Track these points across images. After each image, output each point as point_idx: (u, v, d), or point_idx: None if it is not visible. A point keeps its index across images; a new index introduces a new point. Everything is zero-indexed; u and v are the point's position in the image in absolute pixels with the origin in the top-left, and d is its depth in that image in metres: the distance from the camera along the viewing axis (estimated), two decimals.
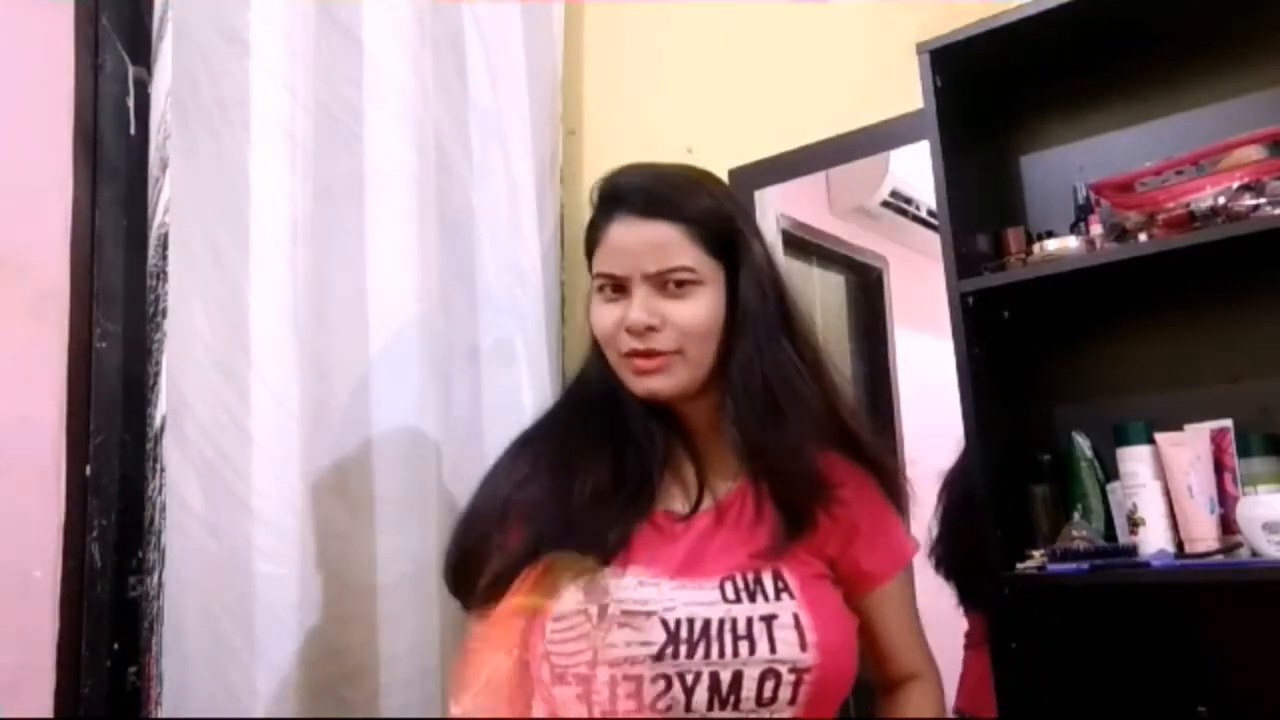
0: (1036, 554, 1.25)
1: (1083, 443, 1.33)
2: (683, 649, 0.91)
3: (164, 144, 1.23)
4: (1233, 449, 1.23)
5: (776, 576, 0.97)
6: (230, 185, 1.29)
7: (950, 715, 1.33)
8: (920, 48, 1.34)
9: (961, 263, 1.29)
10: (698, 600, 0.94)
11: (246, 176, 1.31)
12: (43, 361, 1.19)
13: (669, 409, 1.05)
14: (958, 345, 1.27)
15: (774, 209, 1.70)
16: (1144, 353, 1.35)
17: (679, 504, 1.04)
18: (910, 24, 1.43)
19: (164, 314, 1.21)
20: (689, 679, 0.91)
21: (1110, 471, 1.30)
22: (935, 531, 1.44)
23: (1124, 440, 1.26)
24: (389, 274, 1.47)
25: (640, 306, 0.99)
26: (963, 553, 1.32)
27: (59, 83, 1.25)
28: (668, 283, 0.99)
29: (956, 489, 1.41)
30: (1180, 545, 1.21)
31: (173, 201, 1.22)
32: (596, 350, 1.07)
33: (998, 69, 1.38)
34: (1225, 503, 1.21)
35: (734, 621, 0.93)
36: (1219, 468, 1.23)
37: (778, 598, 0.95)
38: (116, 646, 1.19)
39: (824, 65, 1.68)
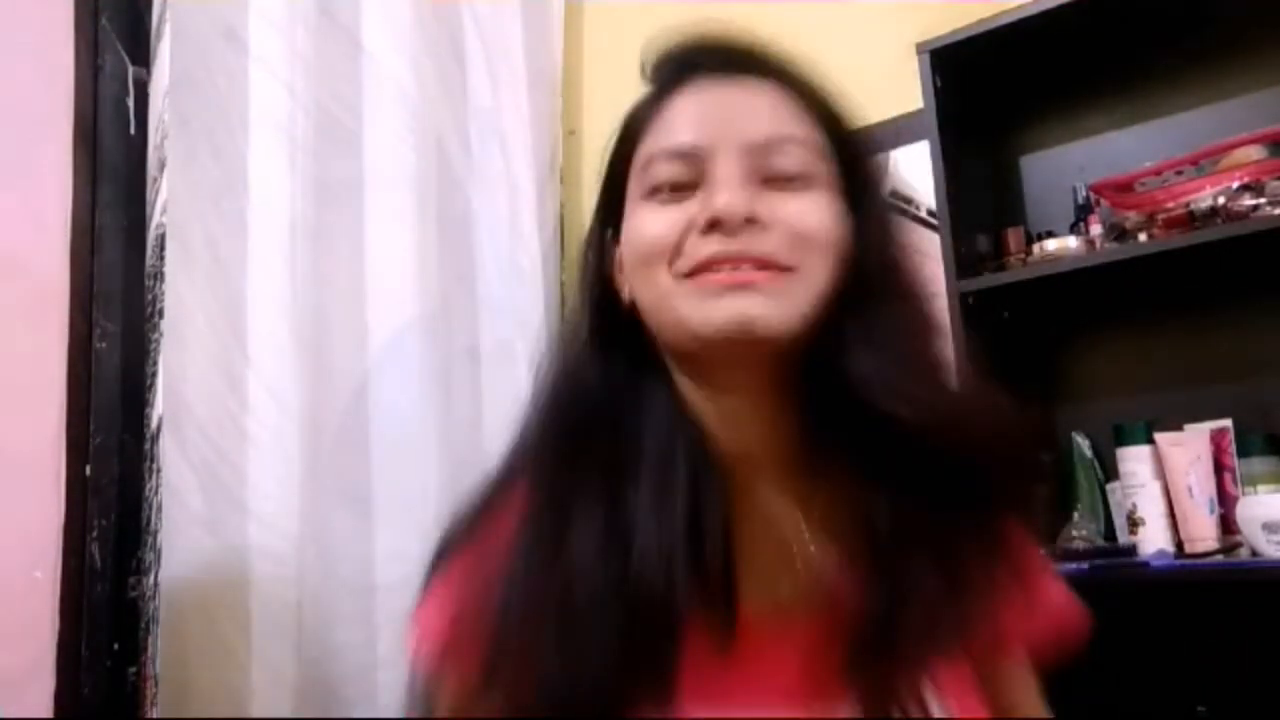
0: None
1: (1083, 443, 1.33)
2: None
3: (162, 144, 1.23)
4: (1233, 449, 1.23)
5: (934, 687, 0.61)
6: (229, 185, 1.29)
7: None
8: (920, 48, 1.34)
9: (961, 263, 1.29)
10: None
11: (245, 176, 1.31)
12: (43, 361, 1.19)
13: (708, 433, 0.64)
14: (958, 345, 1.27)
15: None
16: (1144, 353, 1.35)
17: (767, 592, 0.63)
18: (910, 24, 1.43)
19: (161, 314, 1.21)
20: None
21: (1110, 471, 1.30)
22: None
23: (1124, 440, 1.26)
24: (389, 274, 1.47)
25: (733, 188, 0.60)
26: None
27: (59, 83, 1.24)
28: (772, 173, 0.62)
29: None
30: (1180, 545, 1.21)
31: (171, 201, 1.22)
32: (602, 322, 0.67)
33: (998, 69, 1.38)
34: (1225, 503, 1.21)
35: None
36: (1219, 468, 1.23)
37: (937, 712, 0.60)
38: (116, 647, 1.19)
39: (824, 65, 1.67)
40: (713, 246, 0.60)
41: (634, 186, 0.65)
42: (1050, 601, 0.68)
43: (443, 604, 0.66)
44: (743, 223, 0.60)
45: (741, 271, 0.59)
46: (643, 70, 0.70)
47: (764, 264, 0.60)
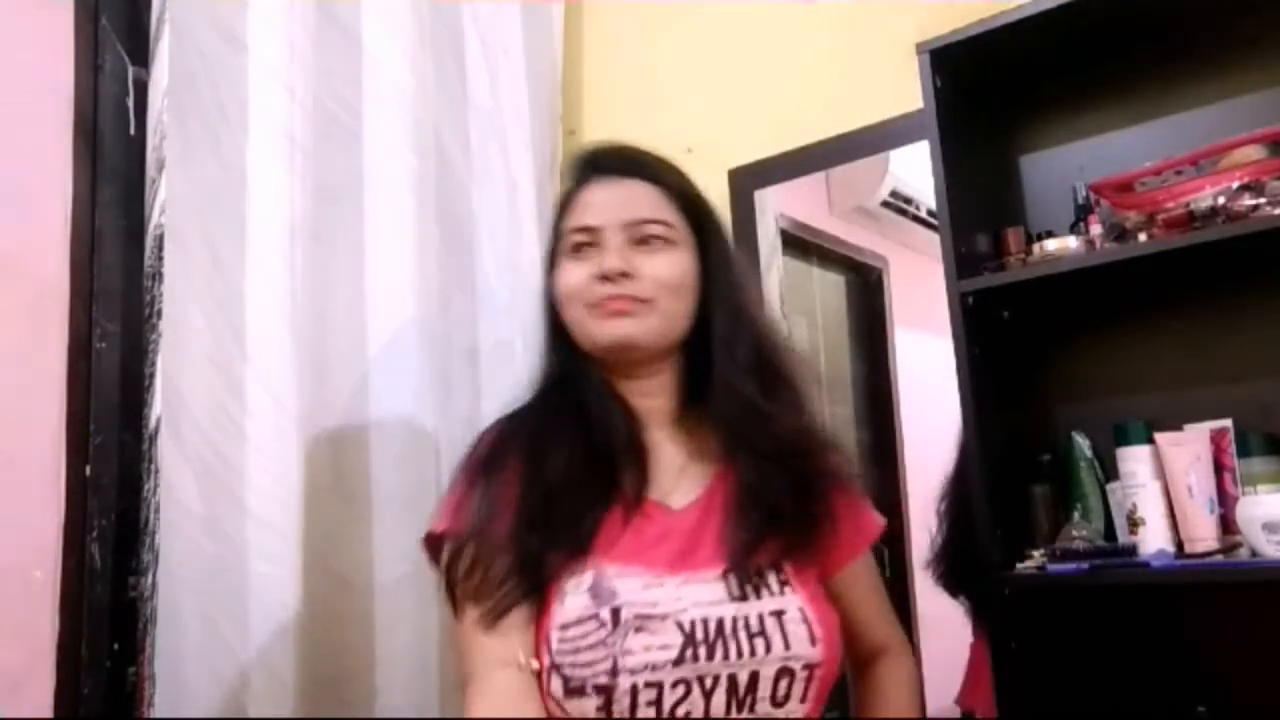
0: (1036, 554, 1.25)
1: (1083, 443, 1.33)
2: (701, 651, 0.89)
3: (161, 144, 1.23)
4: (1232, 449, 1.22)
5: (776, 568, 0.96)
6: (228, 185, 1.29)
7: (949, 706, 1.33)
8: (920, 48, 1.34)
9: (961, 263, 1.29)
10: (706, 598, 0.92)
11: (244, 176, 1.31)
12: (43, 361, 1.19)
13: (624, 400, 1.02)
14: (957, 345, 1.27)
15: (774, 209, 1.69)
16: (1144, 353, 1.35)
17: (663, 494, 1.00)
18: (910, 24, 1.43)
19: (159, 314, 1.21)
20: (708, 682, 0.89)
21: (1110, 471, 1.30)
22: (938, 542, 1.43)
23: (1124, 440, 1.26)
24: (388, 274, 1.46)
25: (615, 253, 0.98)
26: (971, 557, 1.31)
27: (59, 83, 1.25)
28: (642, 237, 1.00)
29: (958, 494, 1.40)
30: (1180, 545, 1.21)
31: (169, 202, 1.22)
32: (554, 334, 1.05)
33: (997, 69, 1.38)
34: (1225, 503, 1.21)
35: (746, 619, 0.92)
36: (1219, 468, 1.23)
37: (781, 591, 0.94)
38: (116, 647, 1.19)
39: (824, 65, 1.67)
40: (605, 290, 0.98)
41: (562, 245, 1.03)
42: (868, 525, 1.09)
43: (450, 505, 1.01)
44: (620, 275, 0.97)
45: (619, 304, 0.97)
46: (567, 167, 1.10)
47: (634, 300, 0.98)
